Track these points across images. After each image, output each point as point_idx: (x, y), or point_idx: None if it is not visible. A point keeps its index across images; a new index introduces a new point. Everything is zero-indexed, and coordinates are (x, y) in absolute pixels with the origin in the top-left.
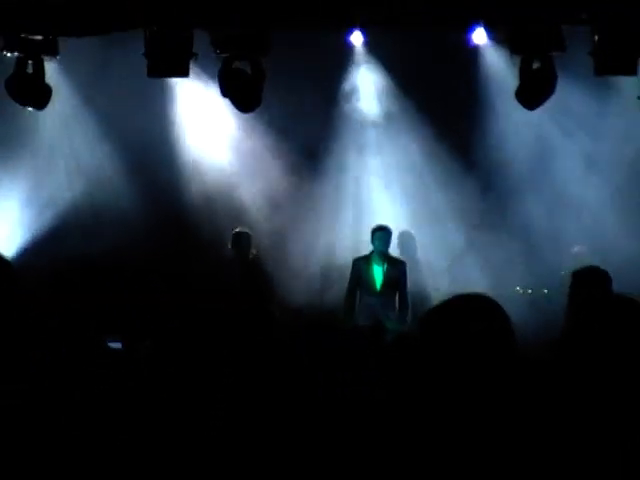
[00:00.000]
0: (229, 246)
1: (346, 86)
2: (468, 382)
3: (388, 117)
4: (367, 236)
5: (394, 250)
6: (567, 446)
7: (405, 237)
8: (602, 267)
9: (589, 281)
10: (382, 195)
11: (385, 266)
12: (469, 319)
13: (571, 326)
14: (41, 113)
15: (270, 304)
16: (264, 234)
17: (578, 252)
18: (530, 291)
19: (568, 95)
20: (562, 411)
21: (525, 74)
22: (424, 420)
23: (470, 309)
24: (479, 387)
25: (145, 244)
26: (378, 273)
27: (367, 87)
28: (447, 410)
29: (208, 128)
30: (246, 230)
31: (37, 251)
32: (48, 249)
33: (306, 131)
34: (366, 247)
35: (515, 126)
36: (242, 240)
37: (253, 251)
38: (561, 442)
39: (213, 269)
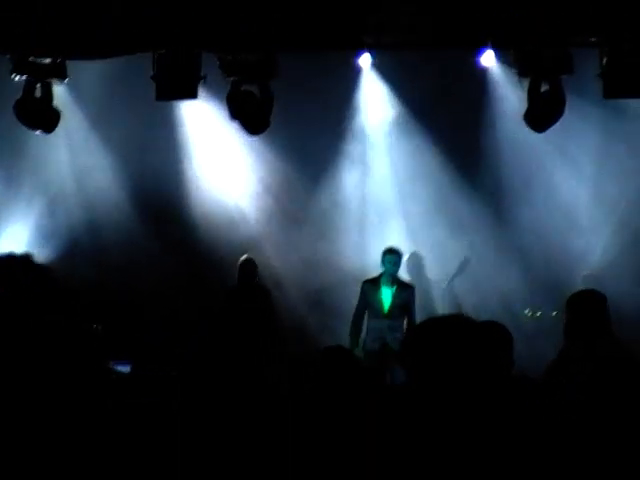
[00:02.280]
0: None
1: (354, 106)
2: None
3: (396, 138)
4: (375, 256)
5: (403, 272)
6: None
7: (415, 259)
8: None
9: (585, 305)
10: (390, 213)
11: (394, 289)
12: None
13: (566, 350)
14: (51, 137)
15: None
16: (272, 253)
17: (588, 275)
18: (539, 313)
19: (575, 117)
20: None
21: (533, 96)
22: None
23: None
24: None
25: (155, 268)
26: (387, 296)
27: (375, 108)
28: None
29: (216, 150)
30: (251, 257)
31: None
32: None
33: (314, 152)
34: (373, 266)
35: (522, 148)
36: (247, 268)
37: (257, 279)
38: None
39: (219, 295)
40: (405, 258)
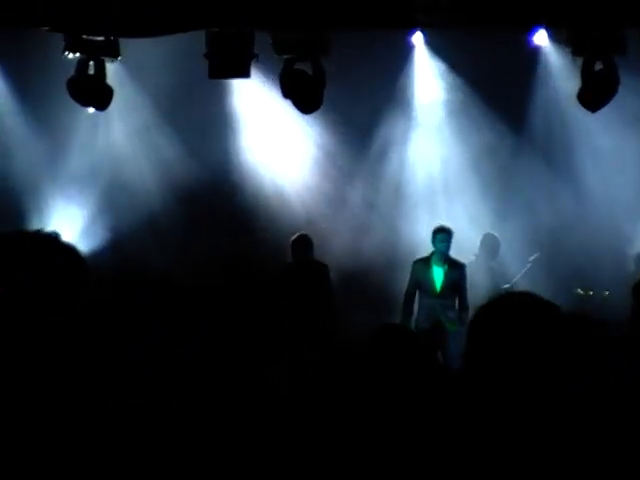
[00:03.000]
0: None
1: (406, 85)
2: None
3: (447, 117)
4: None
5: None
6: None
7: (489, 240)
8: None
9: None
10: (442, 195)
11: (445, 268)
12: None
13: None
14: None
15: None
16: (323, 233)
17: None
18: (591, 293)
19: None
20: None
21: (587, 76)
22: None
23: (518, 307)
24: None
25: (206, 251)
26: (438, 275)
27: (427, 87)
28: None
29: (269, 129)
30: (305, 234)
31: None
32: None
33: (365, 130)
34: (424, 246)
35: (574, 128)
36: (302, 244)
37: (313, 256)
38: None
39: (272, 275)
40: (479, 240)
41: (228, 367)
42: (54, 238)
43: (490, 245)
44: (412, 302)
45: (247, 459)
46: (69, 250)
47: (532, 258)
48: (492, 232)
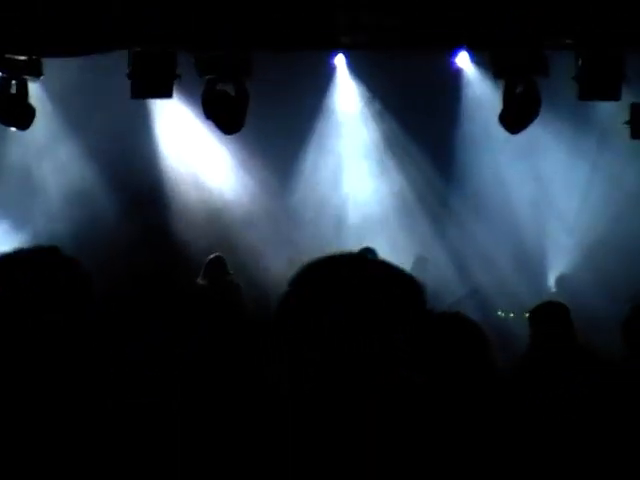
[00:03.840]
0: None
1: (328, 106)
2: None
3: (370, 139)
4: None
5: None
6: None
7: (420, 261)
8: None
9: (548, 317)
10: (363, 214)
11: None
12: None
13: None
14: (23, 134)
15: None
16: (243, 250)
17: (560, 277)
18: (512, 315)
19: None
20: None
21: (508, 98)
22: None
23: None
24: None
25: (129, 262)
26: None
27: (349, 108)
28: None
29: (191, 149)
30: (219, 255)
31: None
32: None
33: (286, 150)
34: None
35: (496, 148)
36: (215, 267)
37: (228, 277)
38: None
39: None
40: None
41: (227, 367)
42: (55, 250)
43: (422, 267)
44: None
45: (247, 458)
46: (70, 261)
47: (468, 291)
48: (424, 255)
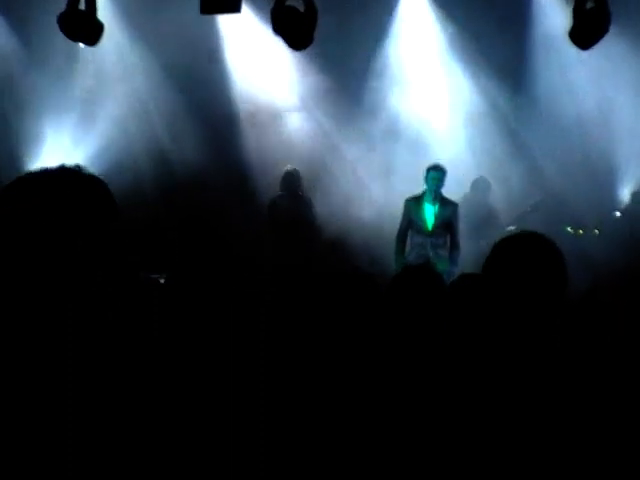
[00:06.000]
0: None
1: (396, 27)
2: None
3: (441, 58)
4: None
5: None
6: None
7: (479, 183)
8: None
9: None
10: (434, 134)
11: (437, 206)
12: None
13: None
14: (93, 50)
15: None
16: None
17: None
18: (581, 232)
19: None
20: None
21: (579, 14)
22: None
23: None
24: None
25: (194, 185)
26: (430, 213)
27: (419, 28)
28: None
29: (259, 66)
30: (295, 168)
31: None
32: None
33: (354, 72)
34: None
35: (567, 66)
36: (291, 178)
37: (300, 192)
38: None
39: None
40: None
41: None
42: (77, 171)
43: (482, 187)
44: (404, 240)
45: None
46: (95, 181)
47: (533, 203)
48: (483, 175)
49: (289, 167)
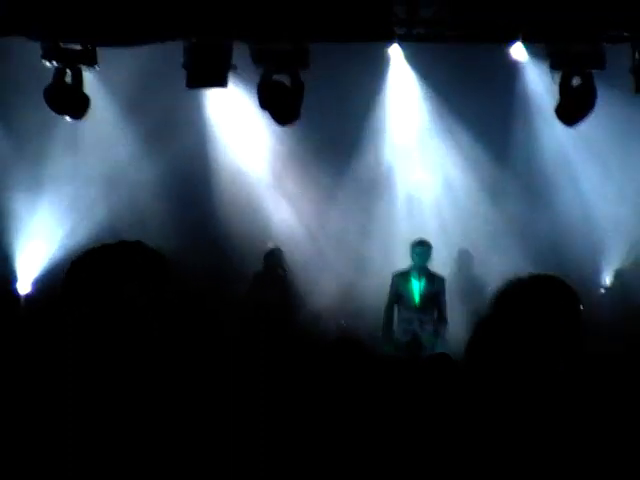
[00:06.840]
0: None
1: (383, 97)
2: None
3: (426, 129)
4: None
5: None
6: None
7: (463, 255)
8: None
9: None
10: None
11: (423, 281)
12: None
13: None
14: (79, 124)
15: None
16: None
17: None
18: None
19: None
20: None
21: (565, 90)
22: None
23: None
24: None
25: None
26: (416, 288)
27: (405, 99)
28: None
29: (246, 139)
30: (277, 247)
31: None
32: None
33: (343, 143)
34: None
35: (553, 142)
36: (273, 257)
37: (281, 270)
38: None
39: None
40: (455, 255)
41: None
42: (140, 245)
43: (465, 260)
44: (392, 314)
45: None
46: (156, 256)
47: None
48: (465, 248)
49: (270, 244)
